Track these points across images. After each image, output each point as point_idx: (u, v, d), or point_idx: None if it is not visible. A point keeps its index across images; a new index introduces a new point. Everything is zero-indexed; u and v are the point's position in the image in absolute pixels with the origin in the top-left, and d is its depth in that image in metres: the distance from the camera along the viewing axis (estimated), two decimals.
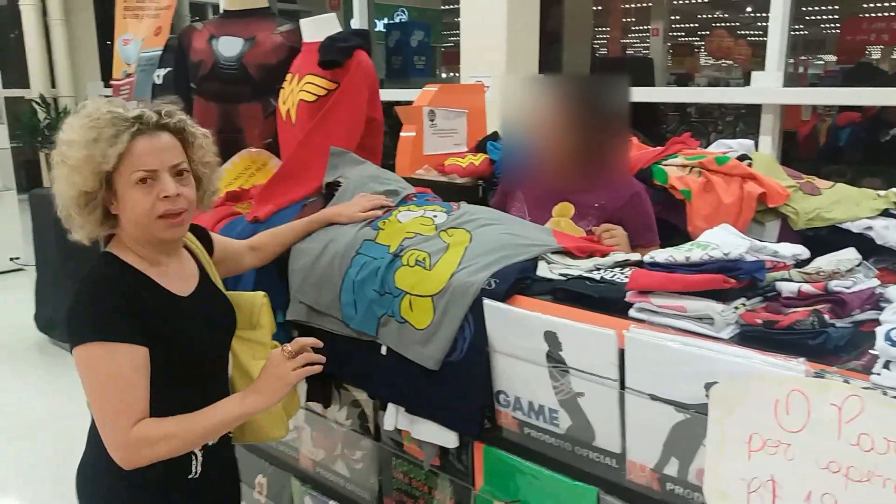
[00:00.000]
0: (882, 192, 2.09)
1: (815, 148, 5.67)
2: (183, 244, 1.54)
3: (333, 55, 2.20)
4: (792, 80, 4.08)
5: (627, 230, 1.92)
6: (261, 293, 1.67)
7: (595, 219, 1.96)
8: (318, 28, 2.33)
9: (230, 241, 1.76)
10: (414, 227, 1.83)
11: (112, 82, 5.59)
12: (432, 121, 2.62)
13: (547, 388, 1.45)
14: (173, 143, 1.40)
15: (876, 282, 1.35)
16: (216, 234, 1.72)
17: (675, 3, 11.82)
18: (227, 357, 1.58)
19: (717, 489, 1.19)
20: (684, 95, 6.58)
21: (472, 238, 1.73)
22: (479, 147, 2.59)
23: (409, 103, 2.66)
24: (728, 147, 2.40)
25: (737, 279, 1.28)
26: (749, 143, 2.46)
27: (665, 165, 2.24)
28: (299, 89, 2.31)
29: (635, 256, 1.62)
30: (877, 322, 1.22)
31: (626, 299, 1.38)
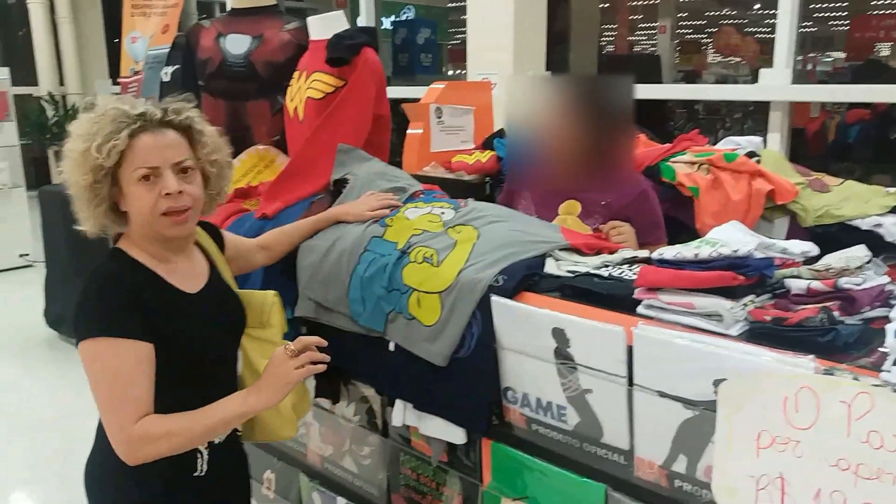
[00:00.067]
0: (892, 189, 2.09)
1: (824, 145, 5.65)
2: (194, 241, 1.54)
3: (341, 53, 2.20)
4: (800, 77, 4.07)
5: (635, 228, 1.92)
6: (272, 292, 1.66)
7: (602, 217, 1.96)
8: (325, 26, 2.33)
9: (241, 240, 1.76)
10: (422, 223, 1.83)
11: (120, 80, 5.62)
12: (439, 118, 2.62)
13: (555, 384, 1.45)
14: (178, 141, 1.40)
15: (886, 279, 1.34)
16: (227, 231, 1.72)
17: (682, 0, 11.79)
18: (235, 355, 1.58)
19: (726, 486, 1.19)
20: (692, 92, 6.56)
21: (479, 235, 1.73)
22: (487, 144, 2.59)
23: (415, 100, 2.67)
24: (736, 144, 2.40)
25: (746, 276, 1.27)
26: (758, 140, 2.45)
27: (673, 162, 2.24)
28: (307, 87, 2.31)
29: (643, 253, 1.62)
30: (886, 319, 1.21)
31: (635, 296, 1.38)
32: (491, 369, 1.56)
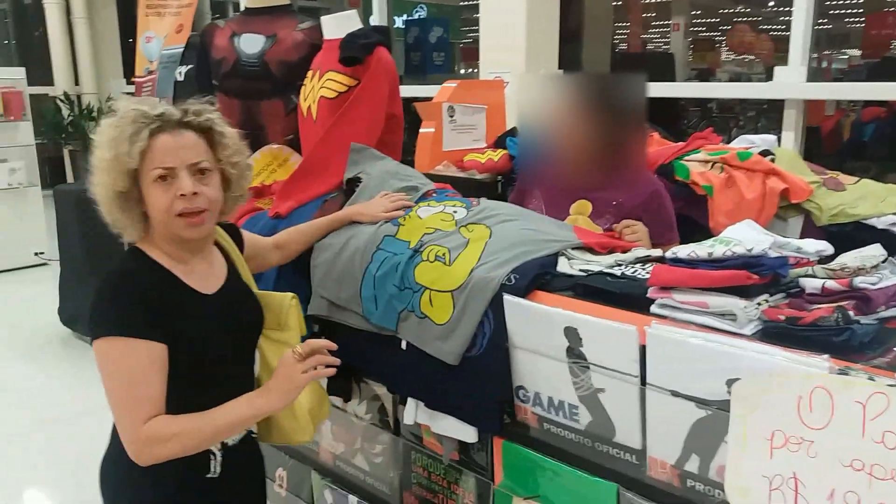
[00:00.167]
0: None
1: (839, 143, 5.60)
2: (213, 242, 1.53)
3: (354, 52, 2.21)
4: (815, 74, 4.04)
5: (647, 229, 1.91)
6: (290, 294, 1.65)
7: (613, 217, 1.95)
8: (338, 25, 2.33)
9: (258, 239, 1.76)
10: (434, 222, 1.83)
11: (134, 79, 5.65)
12: (451, 117, 2.62)
13: (567, 383, 1.45)
14: (195, 142, 1.40)
15: None
16: (245, 230, 1.72)
17: None
18: (252, 356, 1.58)
19: (739, 486, 1.18)
20: (706, 90, 6.52)
21: (491, 234, 1.73)
22: (499, 143, 2.59)
23: (428, 99, 2.67)
24: (750, 142, 2.38)
25: (760, 275, 1.27)
26: (772, 138, 2.44)
27: (687, 161, 2.23)
28: (320, 86, 2.32)
29: (656, 252, 1.61)
30: None
31: (648, 295, 1.38)
32: (503, 368, 1.56)
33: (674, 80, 6.26)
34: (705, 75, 9.76)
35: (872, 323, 1.22)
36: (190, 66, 4.70)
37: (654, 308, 1.36)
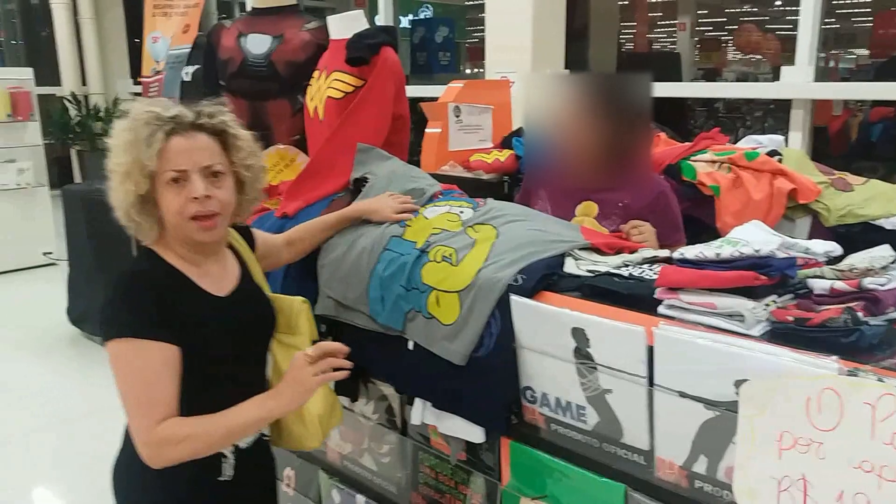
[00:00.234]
0: None
1: (847, 144, 5.58)
2: (227, 243, 1.53)
3: (361, 52, 2.21)
4: (822, 74, 4.02)
5: None
6: (300, 298, 1.65)
7: (619, 218, 1.94)
8: (345, 25, 2.34)
9: (270, 237, 1.76)
10: (440, 223, 1.83)
11: (141, 79, 5.68)
12: (458, 117, 2.62)
13: (574, 384, 1.45)
14: (208, 144, 1.39)
15: None
16: (257, 230, 1.71)
17: None
18: (264, 358, 1.57)
19: (747, 487, 1.18)
20: (712, 90, 6.51)
21: (498, 234, 1.73)
22: (505, 143, 2.59)
23: (433, 99, 2.67)
24: (758, 143, 2.38)
25: (768, 276, 1.26)
26: (779, 138, 2.43)
27: (694, 161, 2.23)
28: (327, 86, 2.32)
29: (664, 253, 1.61)
30: None
31: (656, 296, 1.38)
32: (510, 369, 1.55)
33: (680, 80, 6.24)
34: (712, 75, 9.74)
35: (881, 324, 1.21)
36: (196, 67, 4.73)
37: (661, 309, 1.36)
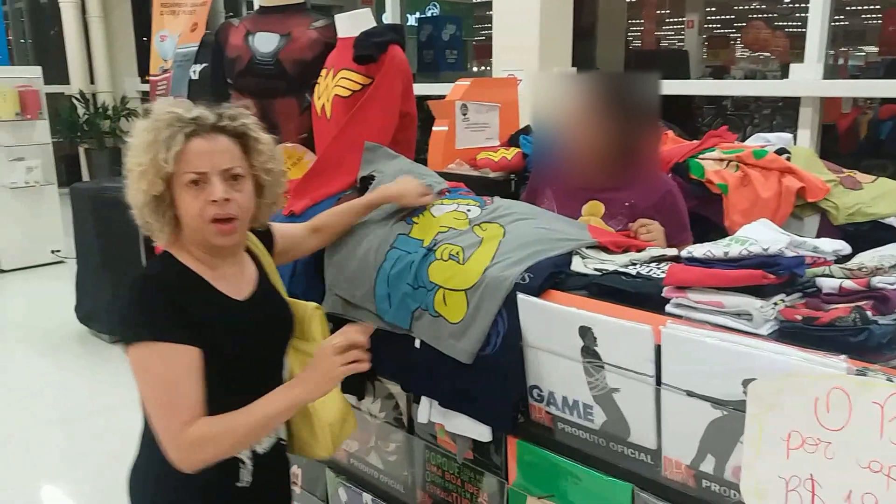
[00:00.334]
0: None
1: (856, 141, 5.54)
2: (245, 247, 1.51)
3: (368, 50, 2.21)
4: (831, 71, 4.01)
5: None
6: (313, 304, 1.63)
7: (626, 218, 1.93)
8: (352, 23, 2.34)
9: (290, 229, 1.74)
10: (447, 221, 1.83)
11: (149, 78, 5.70)
12: (465, 115, 2.62)
13: (581, 383, 1.45)
14: (229, 147, 1.37)
15: None
16: (275, 224, 1.68)
17: None
18: (282, 362, 1.55)
19: (755, 487, 1.18)
20: (720, 88, 6.49)
21: (505, 232, 1.73)
22: (512, 141, 2.59)
23: (440, 97, 2.67)
24: (766, 140, 2.37)
25: (776, 275, 1.26)
26: (787, 136, 2.42)
27: (702, 159, 2.22)
28: (334, 84, 2.32)
29: (672, 251, 1.61)
30: None
31: (663, 295, 1.37)
32: (517, 367, 1.55)
33: (688, 78, 6.22)
34: (720, 73, 9.70)
35: (891, 323, 1.20)
36: (204, 65, 4.74)
37: (669, 308, 1.36)
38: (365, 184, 2.10)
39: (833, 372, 1.09)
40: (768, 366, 1.15)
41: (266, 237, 1.62)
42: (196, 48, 5.10)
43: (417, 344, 1.73)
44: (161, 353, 1.29)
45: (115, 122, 8.30)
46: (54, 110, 7.36)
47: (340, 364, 1.34)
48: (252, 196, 1.42)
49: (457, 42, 6.93)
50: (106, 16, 8.53)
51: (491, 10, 4.40)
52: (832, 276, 1.30)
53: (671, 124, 2.58)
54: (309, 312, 1.61)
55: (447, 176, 2.22)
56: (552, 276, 1.55)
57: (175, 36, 5.38)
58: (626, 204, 1.95)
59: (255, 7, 2.97)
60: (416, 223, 1.86)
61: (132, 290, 1.35)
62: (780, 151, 2.20)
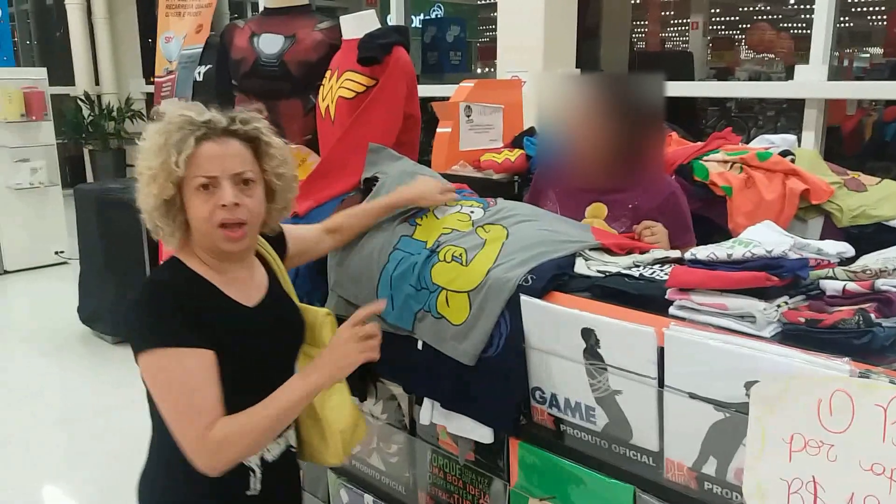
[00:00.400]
0: None
1: (861, 143, 5.53)
2: (255, 252, 1.50)
3: (372, 52, 2.21)
4: (836, 73, 4.00)
5: None
6: (325, 310, 1.62)
7: (629, 220, 1.94)
8: (357, 25, 2.34)
9: (303, 231, 1.72)
10: (450, 222, 1.83)
11: (154, 79, 5.71)
12: (468, 116, 2.62)
13: (584, 385, 1.45)
14: (240, 151, 1.36)
15: None
16: (288, 227, 1.66)
17: None
18: (292, 369, 1.53)
19: (757, 489, 1.18)
20: (725, 90, 6.48)
21: (508, 234, 1.73)
22: (516, 143, 2.59)
23: (444, 99, 2.67)
24: (770, 142, 2.37)
25: (780, 277, 1.26)
26: (792, 138, 2.42)
27: (706, 161, 2.22)
28: (338, 86, 2.33)
29: (675, 253, 1.61)
30: None
31: (666, 297, 1.37)
32: (519, 369, 1.55)
33: (692, 80, 6.21)
34: (724, 74, 9.69)
35: (894, 326, 1.20)
36: (209, 66, 4.75)
37: (672, 310, 1.36)
38: (369, 185, 2.10)
39: (836, 374, 1.09)
40: (771, 368, 1.15)
41: (279, 241, 1.60)
42: (201, 49, 5.11)
43: (420, 345, 1.73)
44: (176, 359, 1.27)
45: (120, 124, 8.32)
46: (59, 111, 7.39)
47: (360, 351, 1.35)
48: (262, 201, 1.41)
49: (461, 43, 6.94)
50: (111, 17, 8.56)
51: (495, 11, 4.40)
52: (836, 279, 1.30)
53: (675, 126, 2.58)
54: (320, 319, 1.60)
55: (451, 177, 2.22)
56: (555, 278, 1.55)
57: (180, 37, 5.40)
58: (630, 206, 1.95)
59: (260, 9, 2.97)
60: (420, 224, 1.86)
61: (141, 296, 1.34)
62: (785, 153, 2.20)
